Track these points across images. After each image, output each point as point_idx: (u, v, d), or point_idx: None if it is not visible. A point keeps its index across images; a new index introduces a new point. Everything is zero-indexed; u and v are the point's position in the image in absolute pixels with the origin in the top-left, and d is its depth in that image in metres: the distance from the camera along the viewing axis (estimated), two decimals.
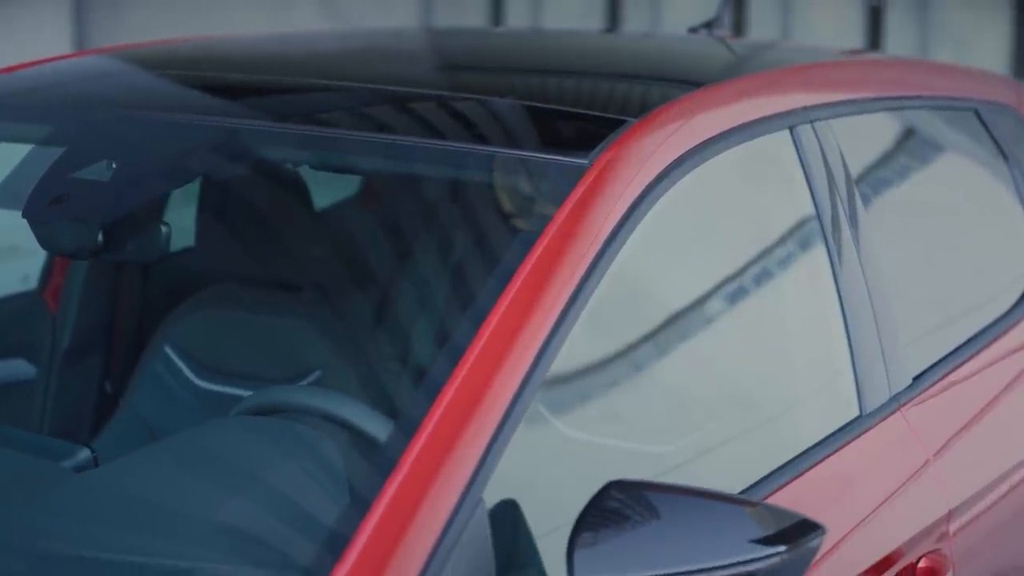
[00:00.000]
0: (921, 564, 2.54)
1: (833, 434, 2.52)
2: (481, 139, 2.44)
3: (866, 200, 2.80)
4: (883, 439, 2.59)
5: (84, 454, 2.35)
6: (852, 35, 8.37)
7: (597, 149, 2.32)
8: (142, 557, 2.03)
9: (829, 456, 2.48)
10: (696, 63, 3.07)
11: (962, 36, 8.16)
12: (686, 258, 2.50)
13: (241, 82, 2.77)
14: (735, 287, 2.54)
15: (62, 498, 2.19)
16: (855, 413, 2.58)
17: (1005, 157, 3.22)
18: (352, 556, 1.87)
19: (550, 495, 2.14)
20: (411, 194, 2.96)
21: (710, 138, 2.46)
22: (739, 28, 8.44)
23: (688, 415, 2.43)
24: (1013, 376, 2.96)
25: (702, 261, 2.53)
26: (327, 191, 3.29)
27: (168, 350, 3.07)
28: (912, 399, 2.68)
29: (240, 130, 2.49)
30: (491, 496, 1.99)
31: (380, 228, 3.11)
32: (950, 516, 2.63)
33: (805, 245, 2.64)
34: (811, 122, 2.69)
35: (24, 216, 2.60)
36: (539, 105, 2.58)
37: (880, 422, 2.60)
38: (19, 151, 2.74)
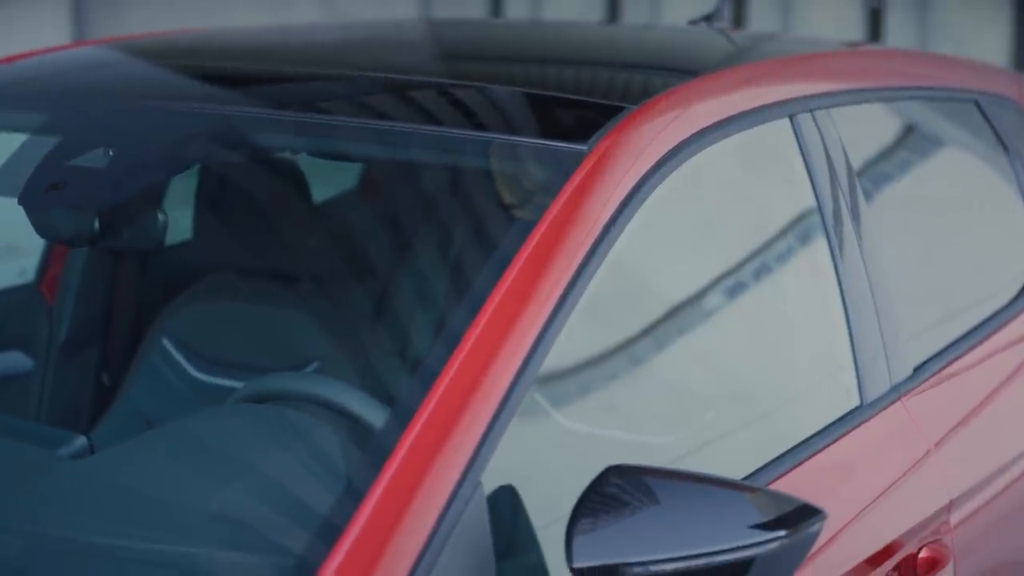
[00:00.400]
0: (922, 554, 2.53)
1: (833, 423, 2.51)
2: (480, 126, 2.43)
3: (866, 189, 2.79)
4: (884, 429, 2.58)
5: (80, 442, 2.34)
6: (852, 36, 8.37)
7: (596, 135, 2.31)
8: (135, 543, 2.01)
9: (829, 445, 2.47)
10: (696, 52, 3.07)
11: (962, 36, 8.15)
12: (686, 245, 2.49)
13: (238, 71, 2.77)
14: (734, 276, 2.53)
15: (56, 485, 2.18)
16: (856, 403, 2.56)
17: (1006, 149, 3.21)
18: (348, 541, 1.86)
19: (549, 483, 2.13)
20: (409, 182, 2.95)
21: (709, 125, 2.45)
22: (739, 28, 8.43)
23: (688, 405, 2.42)
24: (1014, 368, 2.95)
25: (702, 248, 2.52)
26: (326, 184, 3.28)
27: (165, 342, 3.05)
28: (913, 389, 2.67)
29: (237, 118, 2.48)
30: (489, 483, 1.98)
31: (379, 217, 3.10)
32: (951, 506, 2.61)
33: (805, 234, 2.63)
34: (811, 111, 2.68)
35: (20, 203, 2.59)
36: (538, 92, 2.57)
37: (881, 412, 2.58)
38: (18, 141, 2.74)
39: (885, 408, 2.60)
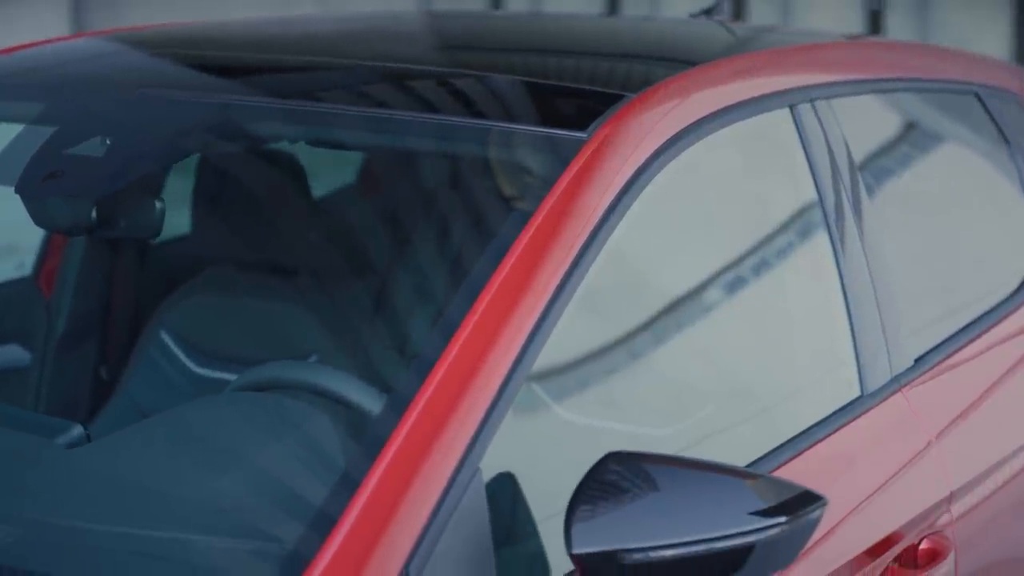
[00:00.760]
0: (923, 545, 2.51)
1: (834, 414, 2.50)
2: (479, 114, 2.42)
3: (867, 180, 2.78)
4: (884, 419, 2.56)
5: (77, 431, 2.32)
6: None
7: (595, 123, 2.30)
8: (132, 530, 2.00)
9: (830, 435, 2.46)
10: (696, 43, 3.06)
11: (962, 36, 8.14)
12: (685, 233, 2.48)
13: (236, 61, 2.76)
14: (734, 265, 2.52)
15: (52, 473, 2.17)
16: (856, 393, 2.55)
17: (1007, 142, 3.20)
18: (345, 527, 1.85)
19: (548, 473, 2.12)
20: (408, 171, 2.94)
21: (709, 114, 2.44)
22: None
23: (688, 395, 2.41)
24: (1015, 360, 2.94)
25: (701, 237, 2.51)
26: (325, 179, 3.27)
27: (164, 335, 3.04)
28: (914, 380, 2.66)
29: (235, 106, 2.47)
30: (488, 472, 1.97)
31: (377, 208, 3.09)
32: (952, 498, 2.60)
33: (806, 224, 2.62)
34: (811, 101, 2.67)
35: (17, 192, 2.58)
36: (537, 81, 2.56)
37: (881, 402, 2.57)
38: (17, 130, 2.73)
39: (886, 399, 2.59)
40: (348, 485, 1.90)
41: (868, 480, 2.48)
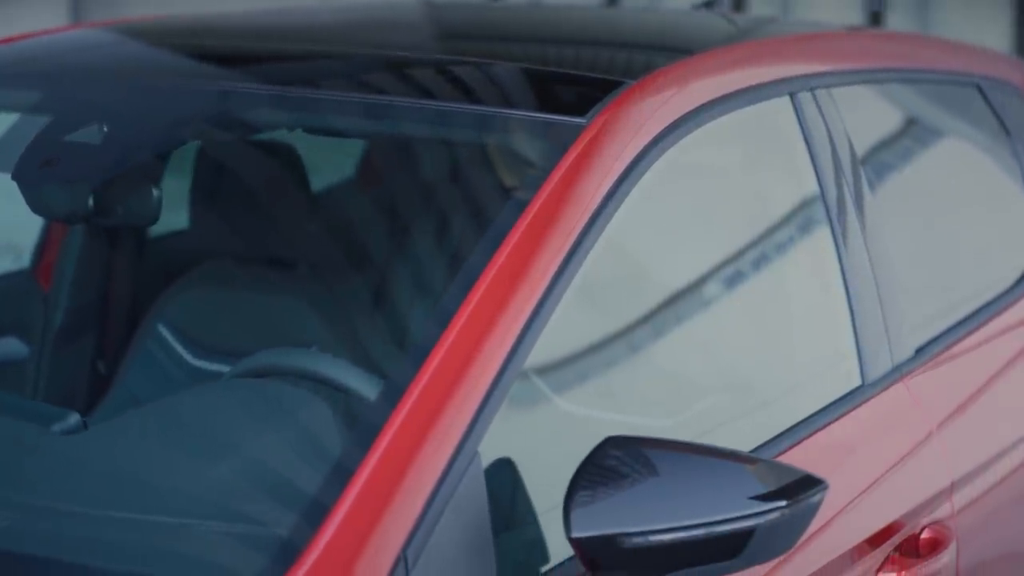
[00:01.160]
0: (924, 535, 2.50)
1: (834, 402, 2.48)
2: (478, 100, 2.42)
3: (867, 170, 2.77)
4: (885, 408, 2.55)
5: (73, 419, 2.31)
6: None
7: (595, 109, 2.29)
8: (129, 515, 1.99)
9: (830, 424, 2.44)
10: (696, 32, 3.05)
11: (962, 36, 8.12)
12: (685, 221, 2.47)
13: (234, 50, 2.75)
14: (733, 254, 2.51)
15: (48, 458, 2.16)
16: (857, 383, 2.54)
17: (1008, 133, 3.19)
18: (343, 510, 1.84)
19: (548, 463, 2.10)
20: (407, 159, 2.93)
21: (710, 101, 2.43)
22: None
23: (688, 384, 2.40)
24: (1017, 351, 2.93)
25: (700, 225, 2.50)
26: (324, 169, 3.26)
27: (162, 328, 3.03)
28: (914, 369, 2.64)
29: (230, 93, 2.46)
30: (487, 458, 1.95)
31: (378, 196, 3.08)
32: (953, 488, 2.59)
33: (806, 212, 2.60)
34: (812, 90, 2.66)
35: (14, 178, 2.57)
36: (537, 68, 2.56)
37: (882, 392, 2.56)
38: (15, 119, 2.72)
39: (887, 388, 2.57)
40: (345, 469, 1.89)
41: (869, 469, 2.47)
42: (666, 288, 2.39)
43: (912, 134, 3.08)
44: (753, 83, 2.55)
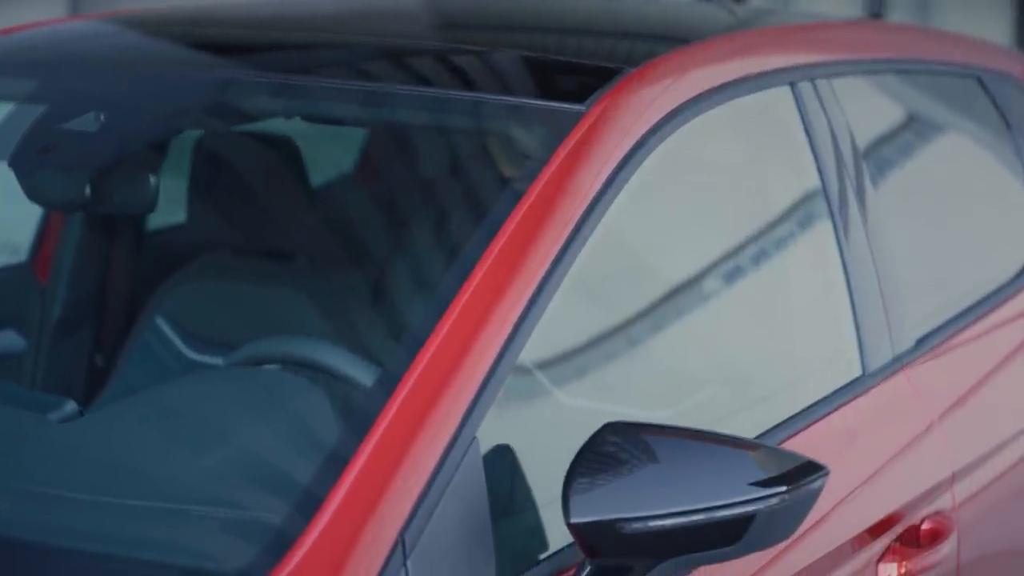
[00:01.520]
0: (924, 526, 2.49)
1: (834, 392, 2.47)
2: (477, 88, 2.41)
3: (868, 160, 2.76)
4: (885, 398, 2.54)
5: (70, 407, 2.30)
6: None
7: (594, 96, 2.28)
8: (127, 500, 1.98)
9: (830, 413, 2.43)
10: (697, 22, 3.04)
11: None
12: (684, 209, 2.46)
13: (232, 38, 2.74)
14: (733, 243, 2.50)
15: (44, 445, 2.15)
16: (857, 373, 2.53)
17: (1008, 125, 3.18)
18: (340, 493, 1.83)
19: (546, 454, 2.09)
20: (406, 146, 2.92)
21: (710, 89, 2.42)
22: None
23: (687, 375, 2.39)
24: (1018, 343, 2.92)
25: (700, 214, 2.49)
26: (321, 161, 3.25)
27: (160, 322, 3.02)
28: (915, 360, 2.63)
29: (228, 81, 2.46)
30: (486, 446, 1.95)
31: (376, 185, 3.07)
32: (954, 478, 2.58)
33: (806, 202, 2.60)
34: (812, 79, 2.65)
35: (10, 166, 2.57)
36: (537, 55, 2.55)
37: (883, 382, 2.55)
38: (12, 108, 2.71)
39: (887, 378, 2.56)
40: (342, 454, 1.88)
41: (869, 459, 2.46)
42: (664, 276, 2.38)
43: (913, 126, 3.07)
44: (753, 72, 2.54)
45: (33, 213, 3.34)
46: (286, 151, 3.10)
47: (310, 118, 2.55)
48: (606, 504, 1.87)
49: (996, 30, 8.16)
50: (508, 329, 2.00)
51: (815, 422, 2.40)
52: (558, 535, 1.97)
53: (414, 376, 1.94)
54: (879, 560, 2.40)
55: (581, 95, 2.29)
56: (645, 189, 2.26)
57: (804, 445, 2.32)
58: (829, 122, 2.63)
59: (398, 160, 2.89)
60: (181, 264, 3.08)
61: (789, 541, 2.17)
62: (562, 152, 2.18)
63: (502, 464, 2.01)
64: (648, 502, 1.87)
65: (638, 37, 2.90)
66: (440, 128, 2.49)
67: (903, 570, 2.41)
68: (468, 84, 2.45)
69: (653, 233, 2.38)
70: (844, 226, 2.58)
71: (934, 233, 2.97)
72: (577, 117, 2.24)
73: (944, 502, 2.54)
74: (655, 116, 2.30)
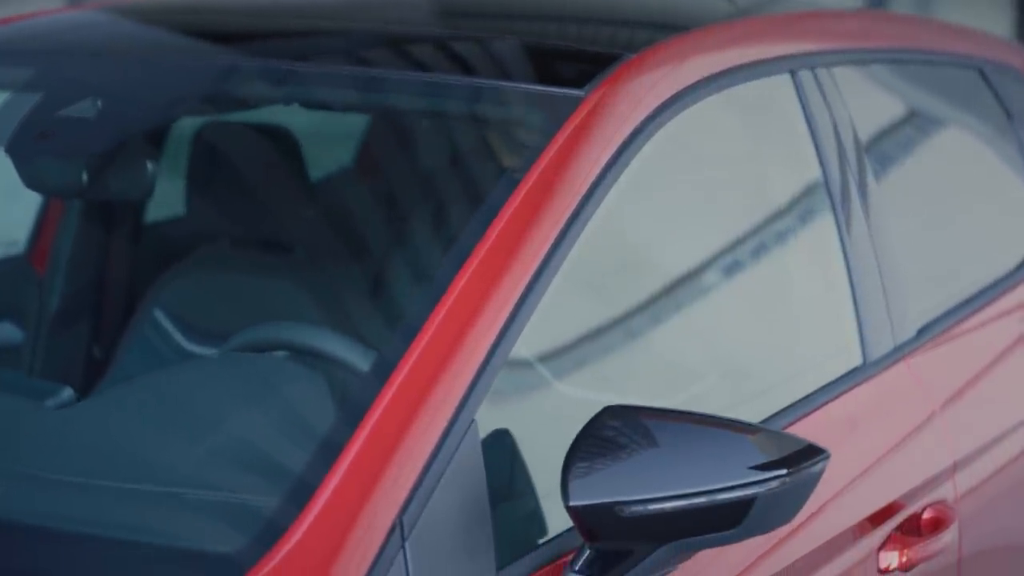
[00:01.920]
0: (925, 515, 2.48)
1: (835, 381, 2.46)
2: (476, 73, 2.41)
3: (868, 150, 2.75)
4: (886, 387, 2.53)
5: (67, 393, 2.29)
6: None
7: (593, 81, 2.27)
8: (128, 484, 1.98)
9: (831, 402, 2.42)
10: (697, 10, 3.03)
11: None
12: (683, 196, 2.46)
13: (230, 27, 2.74)
14: (732, 231, 2.49)
15: (41, 429, 2.15)
16: (858, 362, 2.52)
17: (1010, 116, 3.17)
18: (337, 476, 1.82)
19: (545, 432, 2.09)
20: (405, 132, 2.92)
21: (709, 76, 2.42)
22: None
23: (687, 363, 2.38)
24: (1019, 334, 2.91)
25: (699, 201, 2.48)
26: (320, 149, 3.25)
27: (158, 314, 3.01)
28: (916, 349, 2.62)
29: (225, 67, 2.46)
30: (484, 431, 1.94)
31: (374, 171, 3.07)
32: (955, 468, 2.57)
33: (807, 191, 2.59)
34: (812, 68, 2.64)
35: (7, 152, 2.56)
36: (536, 41, 2.55)
37: (883, 371, 2.54)
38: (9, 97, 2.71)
39: (888, 368, 2.55)
40: (340, 437, 1.88)
41: (870, 448, 2.46)
42: (663, 262, 2.38)
43: (914, 116, 3.06)
44: (754, 59, 2.54)
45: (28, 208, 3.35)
46: (284, 142, 3.09)
47: (308, 104, 2.54)
48: (605, 488, 1.86)
49: (996, 30, 8.15)
50: (505, 315, 2.00)
51: (816, 410, 2.39)
52: (557, 519, 1.96)
53: (411, 360, 1.93)
54: (880, 548, 2.39)
55: (580, 81, 2.28)
56: (644, 175, 2.25)
57: (805, 433, 2.30)
58: (830, 111, 2.62)
59: (396, 146, 2.88)
60: (179, 255, 3.08)
61: (790, 528, 2.17)
62: (560, 137, 2.18)
63: (501, 449, 2.00)
64: (647, 486, 1.86)
65: (638, 23, 2.89)
66: (438, 114, 2.49)
67: (904, 558, 2.40)
68: (467, 69, 2.44)
69: (651, 219, 2.37)
70: (845, 214, 2.57)
71: (935, 223, 2.96)
72: (576, 102, 2.23)
73: (945, 491, 2.53)
74: (654, 102, 2.30)
